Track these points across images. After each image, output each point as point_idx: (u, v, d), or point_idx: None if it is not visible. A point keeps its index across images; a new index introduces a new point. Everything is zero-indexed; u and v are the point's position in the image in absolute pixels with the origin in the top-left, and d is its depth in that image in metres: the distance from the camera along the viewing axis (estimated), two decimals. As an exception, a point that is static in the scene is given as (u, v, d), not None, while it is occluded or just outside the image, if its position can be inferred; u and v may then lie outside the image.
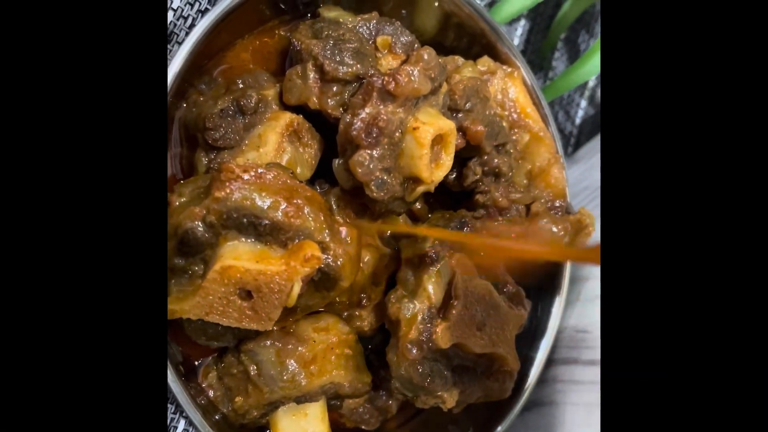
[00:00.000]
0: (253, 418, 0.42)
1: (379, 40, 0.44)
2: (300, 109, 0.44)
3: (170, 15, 0.45)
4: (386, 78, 0.39)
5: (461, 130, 0.46)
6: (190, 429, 0.46)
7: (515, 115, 0.51)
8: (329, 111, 0.42)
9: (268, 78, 0.44)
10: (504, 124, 0.49)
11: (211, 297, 0.37)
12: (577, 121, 0.70)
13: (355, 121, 0.40)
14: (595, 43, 0.56)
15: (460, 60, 0.49)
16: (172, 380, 0.40)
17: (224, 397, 0.42)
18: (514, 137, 0.50)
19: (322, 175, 0.45)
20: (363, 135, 0.39)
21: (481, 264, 0.46)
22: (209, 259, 0.38)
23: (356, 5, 0.48)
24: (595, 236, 0.52)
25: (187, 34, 0.42)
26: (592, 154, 0.64)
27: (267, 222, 0.37)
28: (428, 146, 0.40)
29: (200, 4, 0.46)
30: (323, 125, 0.44)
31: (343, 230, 0.41)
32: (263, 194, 0.37)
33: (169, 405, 0.42)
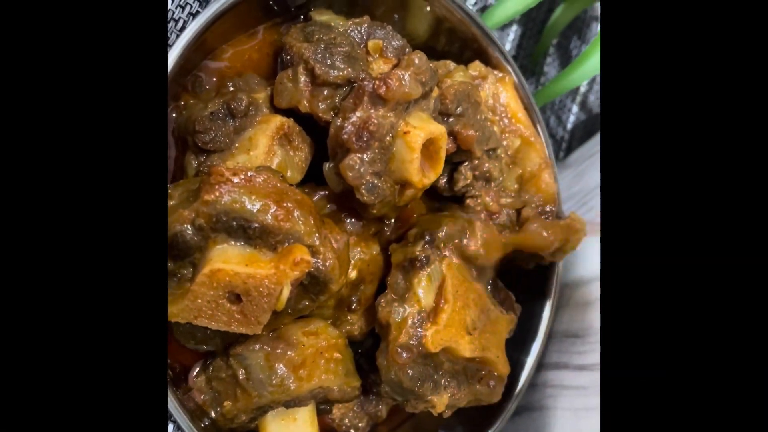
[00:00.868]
0: (241, 423, 0.41)
1: (370, 44, 0.44)
2: (291, 112, 0.43)
3: (161, 17, 0.45)
4: (377, 82, 0.39)
5: (452, 134, 0.46)
6: (179, 433, 0.46)
7: (506, 120, 0.51)
8: (320, 114, 0.42)
9: (258, 81, 0.44)
10: (495, 128, 0.49)
11: (200, 300, 0.37)
12: (569, 126, 0.70)
13: (346, 124, 0.39)
14: (587, 48, 0.57)
15: (451, 64, 0.49)
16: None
17: (213, 401, 0.42)
18: (504, 142, 0.51)
19: (312, 178, 0.45)
20: (354, 139, 0.39)
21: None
22: (198, 263, 0.38)
23: (348, 9, 0.48)
24: (589, 241, 0.53)
25: (177, 36, 0.41)
26: (583, 159, 0.64)
27: (256, 225, 0.37)
28: (419, 150, 0.40)
29: (191, 7, 0.46)
30: (314, 129, 0.44)
31: (334, 234, 0.40)
32: (253, 197, 0.37)
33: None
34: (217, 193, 0.37)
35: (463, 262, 0.45)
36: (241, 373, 0.41)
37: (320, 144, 0.44)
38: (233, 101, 0.42)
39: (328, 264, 0.39)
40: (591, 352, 0.51)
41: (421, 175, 0.42)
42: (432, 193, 0.48)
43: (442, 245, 0.44)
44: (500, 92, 0.51)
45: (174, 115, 0.43)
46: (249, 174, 0.38)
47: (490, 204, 0.48)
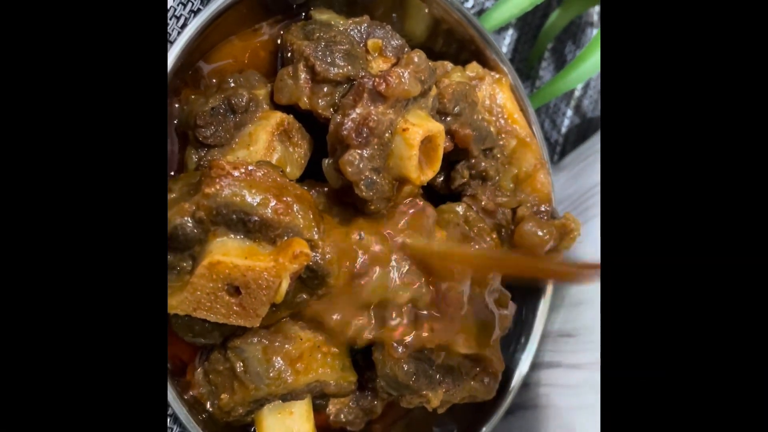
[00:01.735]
0: (238, 416, 0.42)
1: (369, 43, 0.45)
2: (290, 108, 0.44)
3: (163, 14, 0.45)
4: (377, 79, 0.40)
5: (449, 133, 0.46)
6: (175, 427, 0.46)
7: (502, 121, 0.52)
8: (320, 111, 0.42)
9: (259, 78, 0.45)
10: (491, 128, 0.50)
11: (199, 293, 0.37)
12: (563, 129, 0.71)
13: (345, 121, 0.40)
14: (583, 51, 0.57)
15: (449, 65, 0.50)
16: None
17: (210, 394, 0.42)
18: (501, 142, 0.51)
19: (311, 174, 0.45)
20: (353, 135, 0.40)
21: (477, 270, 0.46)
22: (198, 255, 0.38)
23: (347, 9, 0.48)
24: (584, 247, 0.53)
25: (179, 33, 0.42)
26: (577, 163, 0.65)
27: (256, 219, 0.37)
28: (417, 147, 0.41)
29: (193, 4, 0.47)
30: (313, 125, 0.45)
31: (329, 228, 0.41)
32: (253, 191, 0.38)
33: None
34: (218, 186, 0.37)
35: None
36: (239, 366, 0.41)
37: (319, 140, 0.44)
38: (234, 97, 0.42)
39: (326, 258, 0.39)
40: (584, 351, 0.51)
41: (419, 171, 0.42)
42: (429, 191, 0.49)
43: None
44: (497, 93, 0.52)
45: (176, 109, 0.43)
46: (249, 168, 0.38)
47: (486, 203, 0.49)
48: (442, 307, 0.43)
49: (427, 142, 0.43)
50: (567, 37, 0.71)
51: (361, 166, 0.40)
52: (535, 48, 0.67)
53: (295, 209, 0.38)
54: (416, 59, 0.41)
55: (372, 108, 0.40)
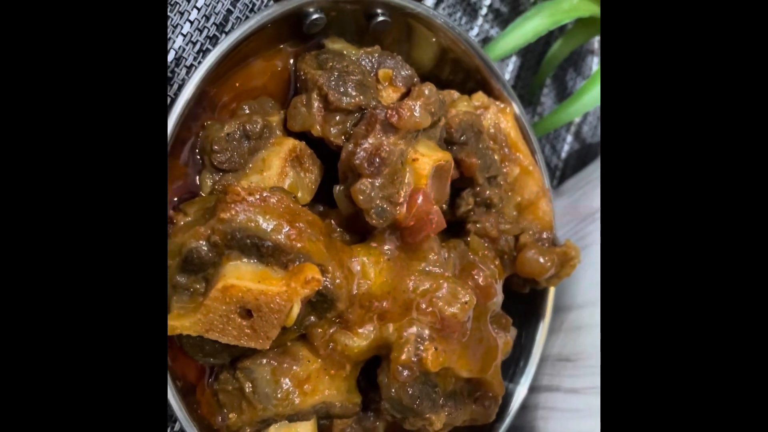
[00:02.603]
0: (245, 435, 0.43)
1: (380, 72, 0.46)
2: (303, 135, 0.45)
3: (180, 41, 0.46)
4: (390, 111, 0.41)
5: (455, 161, 0.48)
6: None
7: (506, 149, 0.53)
8: (331, 139, 0.44)
9: (273, 105, 0.46)
10: (496, 157, 0.51)
11: (212, 314, 0.38)
12: (563, 155, 0.72)
13: (357, 150, 0.41)
14: (585, 83, 0.59)
15: (455, 94, 0.52)
16: (171, 396, 0.41)
17: (219, 413, 0.43)
18: (504, 170, 0.52)
19: (321, 199, 0.46)
20: (366, 164, 0.41)
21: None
22: (211, 278, 0.39)
23: (358, 37, 0.49)
24: (583, 272, 0.54)
25: (199, 60, 0.43)
26: (577, 188, 0.66)
27: (269, 244, 0.38)
28: (428, 176, 0.42)
29: (209, 30, 0.48)
30: (323, 152, 0.46)
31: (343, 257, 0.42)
32: (267, 217, 0.39)
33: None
34: (233, 212, 0.38)
35: None
36: (248, 387, 0.42)
37: (329, 167, 0.46)
38: (249, 123, 0.43)
39: (336, 282, 0.40)
40: (583, 376, 0.52)
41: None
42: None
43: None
44: (501, 122, 0.53)
45: (194, 134, 0.44)
46: (264, 194, 0.39)
47: (490, 230, 0.50)
48: (446, 332, 0.44)
49: (435, 171, 0.44)
50: (568, 64, 0.72)
51: (372, 194, 0.41)
52: (538, 76, 0.68)
53: (307, 235, 0.39)
54: (427, 92, 0.43)
55: (384, 138, 0.41)
